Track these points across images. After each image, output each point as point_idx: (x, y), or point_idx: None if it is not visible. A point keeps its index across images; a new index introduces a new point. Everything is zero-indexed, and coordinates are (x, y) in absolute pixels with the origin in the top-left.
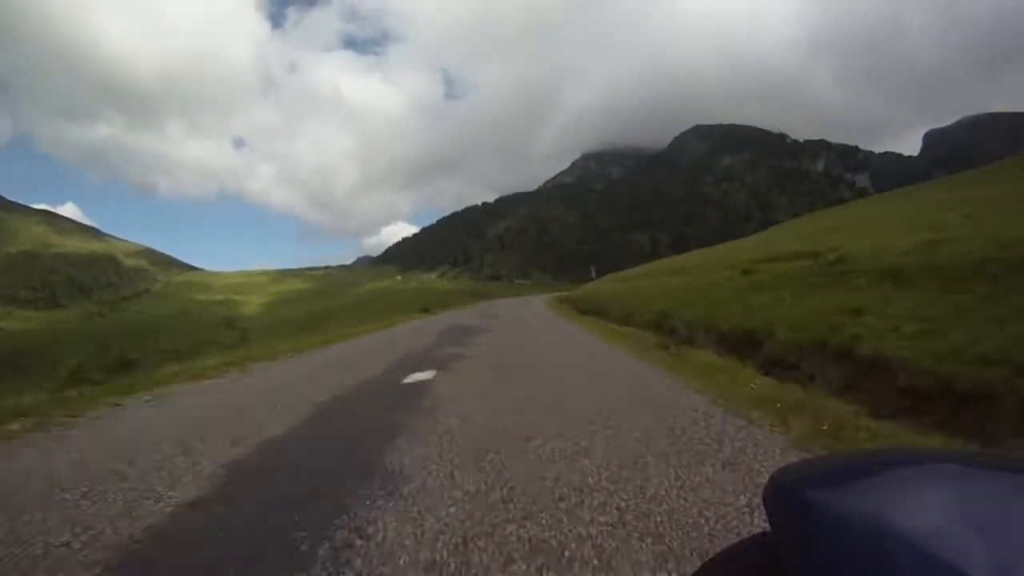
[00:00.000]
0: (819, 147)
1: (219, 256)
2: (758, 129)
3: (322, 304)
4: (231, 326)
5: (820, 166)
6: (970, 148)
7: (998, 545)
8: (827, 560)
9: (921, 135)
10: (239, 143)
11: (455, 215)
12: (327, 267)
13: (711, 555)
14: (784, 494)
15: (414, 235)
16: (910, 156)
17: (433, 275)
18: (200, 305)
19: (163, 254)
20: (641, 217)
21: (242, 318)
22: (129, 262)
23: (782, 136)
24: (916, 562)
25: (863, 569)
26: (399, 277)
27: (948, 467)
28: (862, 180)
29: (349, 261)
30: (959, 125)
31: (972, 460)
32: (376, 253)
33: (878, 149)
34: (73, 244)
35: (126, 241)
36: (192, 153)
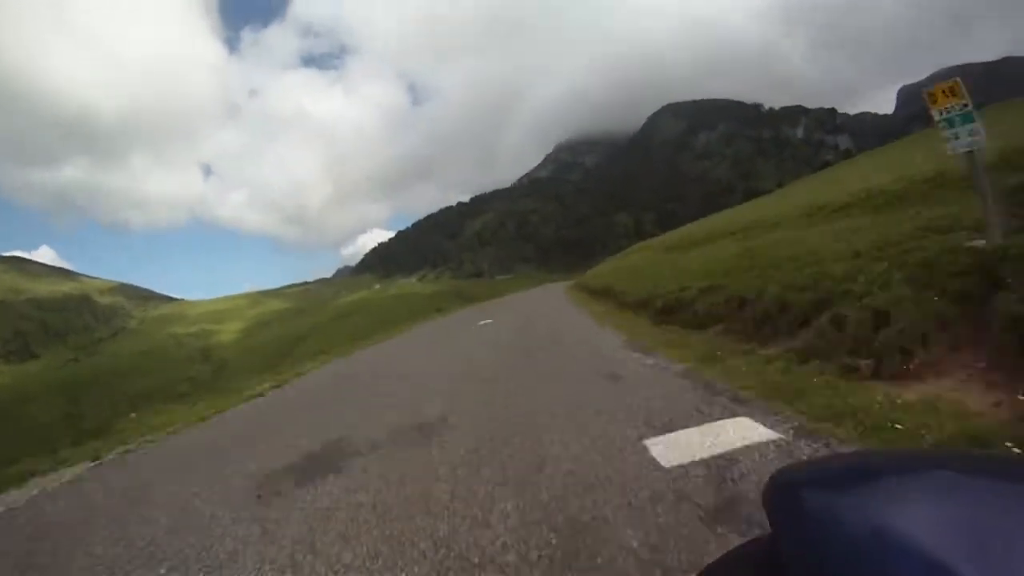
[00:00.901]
0: (796, 113)
1: (199, 285)
2: (732, 101)
3: (299, 324)
4: (206, 359)
5: (800, 132)
6: None
7: (997, 547)
8: (828, 562)
9: (895, 93)
10: (208, 171)
11: (431, 217)
12: (306, 283)
13: (712, 560)
14: (784, 495)
15: (390, 240)
16: (886, 115)
17: (413, 279)
18: (176, 339)
19: (139, 288)
20: (621, 201)
21: (218, 348)
22: (104, 300)
23: (757, 106)
24: (916, 564)
25: (863, 571)
26: (377, 286)
27: (948, 469)
28: (844, 142)
29: (329, 274)
30: (932, 79)
31: (972, 462)
32: (355, 263)
33: (853, 111)
34: (45, 288)
35: (100, 279)
36: (161, 186)
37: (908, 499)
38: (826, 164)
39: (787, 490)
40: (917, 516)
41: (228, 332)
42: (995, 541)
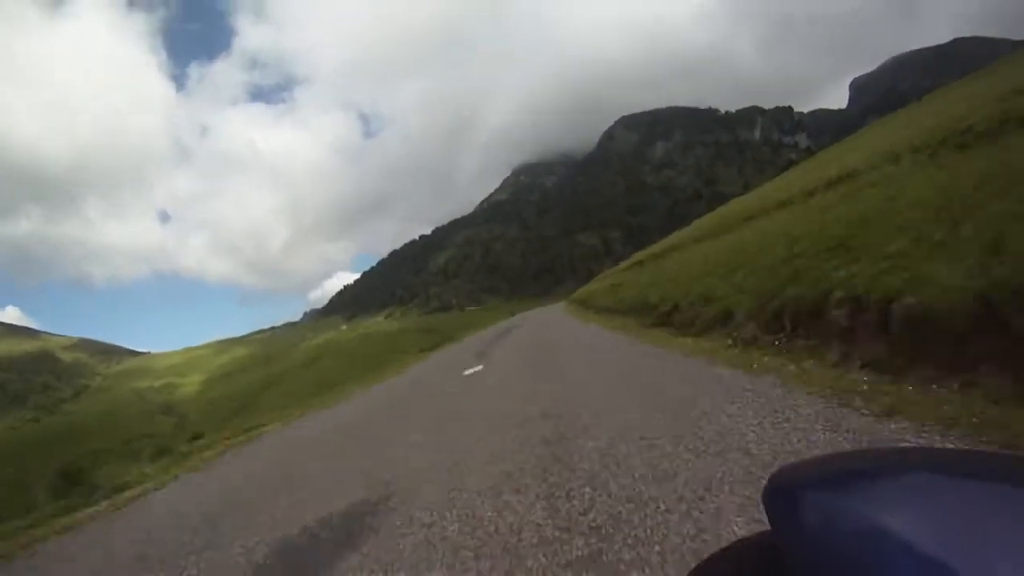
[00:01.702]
0: (752, 115)
1: (167, 337)
2: (685, 108)
3: (264, 372)
4: (169, 412)
5: (757, 134)
6: (897, 90)
7: (995, 545)
8: (826, 560)
9: (847, 85)
10: (165, 217)
11: (395, 254)
12: (273, 327)
13: (709, 554)
14: (784, 494)
15: (356, 282)
16: (839, 109)
17: (380, 317)
18: (138, 394)
19: (102, 343)
20: (584, 219)
21: (181, 402)
22: (67, 357)
23: (711, 111)
24: (915, 562)
25: (862, 569)
26: (344, 327)
27: (948, 467)
28: (803, 140)
29: (297, 318)
30: (883, 68)
31: (971, 460)
32: (322, 306)
33: (807, 108)
34: (4, 348)
35: (63, 336)
36: (119, 236)
37: (907, 497)
38: (790, 163)
39: (786, 488)
40: (916, 514)
41: (192, 384)
42: (993, 539)
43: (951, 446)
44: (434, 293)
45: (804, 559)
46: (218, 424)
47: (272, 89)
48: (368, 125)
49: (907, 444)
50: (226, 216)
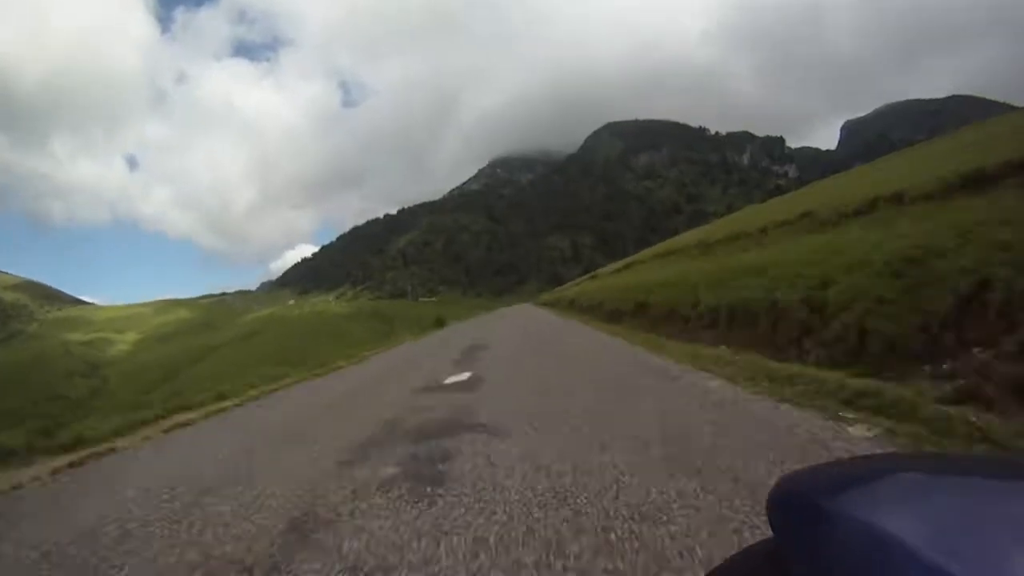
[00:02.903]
0: (742, 140)
1: (119, 287)
2: (675, 123)
3: (199, 342)
4: (91, 373)
5: (746, 159)
6: (890, 137)
7: (1000, 551)
8: (832, 567)
9: (838, 128)
10: (132, 163)
11: (356, 230)
12: (224, 293)
13: (715, 564)
14: (788, 501)
15: (313, 255)
16: (827, 149)
17: (331, 297)
18: (66, 348)
19: (47, 287)
20: (557, 220)
21: (108, 362)
22: (7, 297)
23: (702, 130)
24: (921, 570)
25: None
26: (291, 302)
27: (952, 473)
28: (793, 171)
29: (254, 287)
30: (877, 114)
31: (976, 465)
32: (277, 277)
33: (795, 143)
34: None
35: (7, 274)
36: (85, 174)
37: (912, 504)
38: (778, 190)
39: (791, 496)
40: (920, 520)
41: (125, 342)
42: (998, 545)
43: (952, 450)
44: (389, 278)
45: (808, 567)
46: (136, 395)
47: (257, 47)
48: (348, 95)
49: (907, 451)
50: (194, 170)
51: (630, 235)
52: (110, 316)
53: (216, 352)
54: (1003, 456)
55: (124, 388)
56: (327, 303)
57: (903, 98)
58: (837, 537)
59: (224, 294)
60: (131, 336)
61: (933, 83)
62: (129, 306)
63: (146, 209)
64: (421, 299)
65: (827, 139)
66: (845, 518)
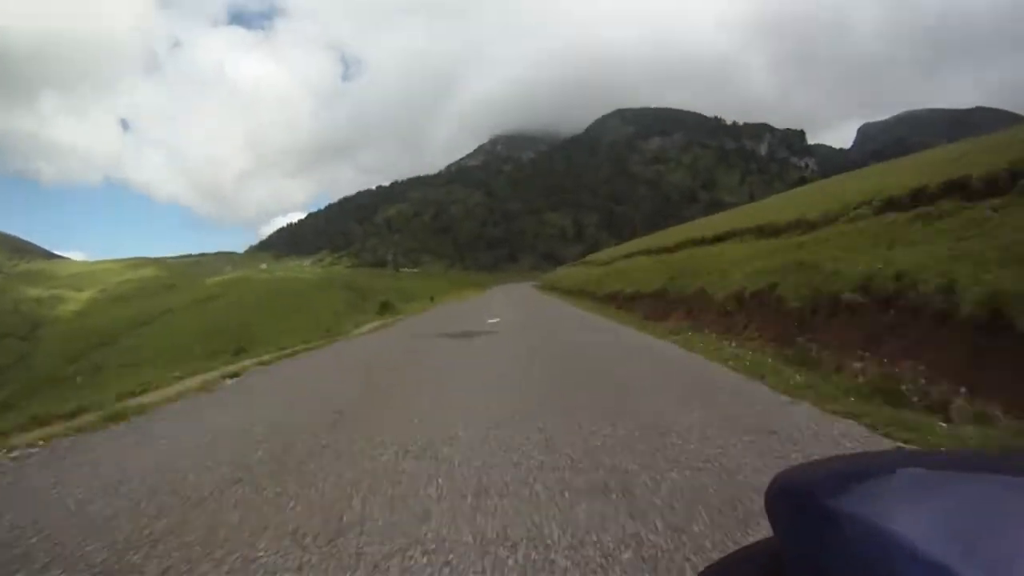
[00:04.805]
0: (761, 130)
1: (107, 248)
2: (689, 112)
3: (157, 302)
4: (28, 335)
5: (763, 149)
6: (907, 143)
7: (1000, 549)
8: (831, 564)
9: (854, 129)
10: (125, 126)
11: (345, 200)
12: (203, 254)
13: (714, 562)
14: (787, 498)
15: (300, 221)
16: (842, 149)
17: (307, 261)
18: (16, 305)
19: (19, 240)
20: (559, 198)
21: (51, 321)
22: None
23: (717, 119)
24: (919, 567)
25: (867, 573)
26: (264, 266)
27: (952, 469)
28: (813, 164)
29: (241, 251)
30: (897, 119)
31: (976, 462)
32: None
33: (810, 140)
34: None
35: None
36: (75, 136)
37: (912, 501)
38: (803, 180)
39: (789, 493)
40: (920, 517)
41: (79, 300)
42: (998, 542)
43: (956, 448)
44: (370, 245)
45: (808, 564)
46: (58, 366)
47: (254, 15)
48: (347, 67)
49: (908, 448)
50: (187, 135)
51: (640, 219)
52: (75, 271)
53: (163, 318)
54: (1006, 453)
55: (50, 357)
56: (300, 268)
57: (925, 106)
58: (838, 534)
59: (203, 255)
60: (86, 294)
61: (956, 95)
62: (98, 262)
63: (137, 172)
64: (402, 270)
65: (842, 139)
66: (845, 515)
